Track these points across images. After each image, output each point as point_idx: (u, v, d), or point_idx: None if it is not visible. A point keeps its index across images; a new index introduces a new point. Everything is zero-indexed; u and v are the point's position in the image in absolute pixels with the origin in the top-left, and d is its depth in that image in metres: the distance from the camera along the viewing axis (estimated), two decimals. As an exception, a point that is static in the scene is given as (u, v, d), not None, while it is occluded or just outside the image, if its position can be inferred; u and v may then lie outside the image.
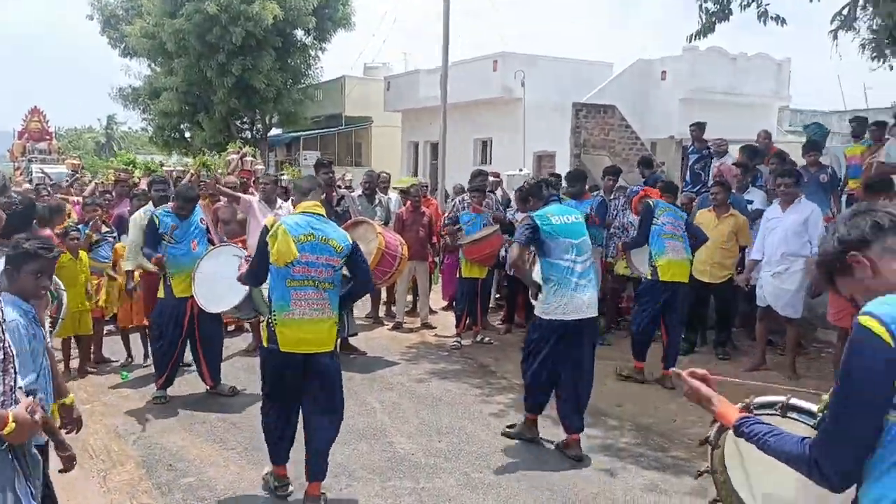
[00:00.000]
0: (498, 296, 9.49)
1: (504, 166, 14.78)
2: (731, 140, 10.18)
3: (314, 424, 4.04)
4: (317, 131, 26.58)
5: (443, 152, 15.21)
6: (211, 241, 6.03)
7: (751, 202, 7.72)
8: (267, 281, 4.13)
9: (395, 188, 10.28)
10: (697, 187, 9.30)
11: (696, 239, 6.46)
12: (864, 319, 1.58)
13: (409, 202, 8.67)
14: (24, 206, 4.16)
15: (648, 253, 6.47)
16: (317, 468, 4.03)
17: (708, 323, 7.67)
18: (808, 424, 1.90)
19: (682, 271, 6.28)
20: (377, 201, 8.36)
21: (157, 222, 5.74)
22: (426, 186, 10.25)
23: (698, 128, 9.87)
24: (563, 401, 4.84)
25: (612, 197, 8.34)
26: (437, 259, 9.47)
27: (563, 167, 15.61)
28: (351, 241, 4.11)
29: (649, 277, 6.43)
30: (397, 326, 8.64)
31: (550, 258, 4.72)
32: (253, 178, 11.23)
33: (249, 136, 24.23)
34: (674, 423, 5.46)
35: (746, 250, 7.09)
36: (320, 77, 25.24)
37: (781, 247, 6.39)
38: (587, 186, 8.35)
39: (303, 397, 4.06)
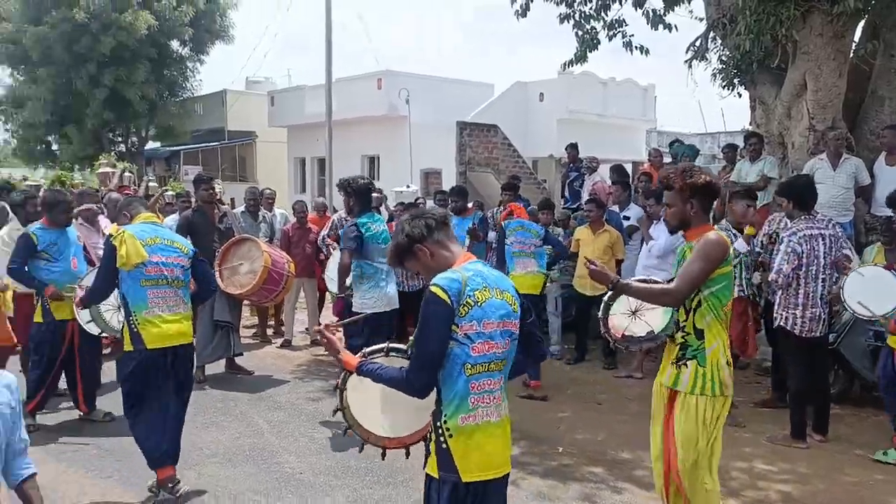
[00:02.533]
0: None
1: (392, 183, 14.91)
2: (603, 159, 10.83)
3: (174, 412, 4.30)
4: (198, 145, 25.68)
5: (330, 168, 15.14)
6: (90, 261, 5.75)
7: (627, 218, 8.20)
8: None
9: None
10: (577, 204, 9.81)
11: (554, 250, 7.08)
12: (434, 288, 2.36)
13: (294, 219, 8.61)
14: None
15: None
16: (177, 450, 4.33)
17: (591, 333, 8.04)
18: (404, 357, 2.65)
19: (531, 283, 6.63)
20: (261, 218, 8.22)
21: (34, 239, 5.42)
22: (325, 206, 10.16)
23: (573, 148, 10.49)
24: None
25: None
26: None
27: (449, 184, 15.94)
28: (193, 247, 4.52)
29: None
30: (286, 344, 8.50)
31: (369, 260, 5.44)
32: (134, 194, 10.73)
33: (124, 150, 23.06)
34: (557, 430, 5.72)
35: (623, 264, 7.58)
36: (199, 90, 24.45)
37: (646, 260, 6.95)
38: (469, 203, 8.62)
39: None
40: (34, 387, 5.47)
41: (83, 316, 5.24)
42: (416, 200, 10.07)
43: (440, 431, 2.44)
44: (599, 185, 9.56)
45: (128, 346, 4.15)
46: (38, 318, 5.49)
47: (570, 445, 5.34)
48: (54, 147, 23.80)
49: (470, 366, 2.40)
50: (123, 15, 19.23)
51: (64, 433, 5.42)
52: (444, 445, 2.43)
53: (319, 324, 2.73)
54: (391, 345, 2.73)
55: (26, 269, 5.39)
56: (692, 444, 3.24)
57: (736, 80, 8.48)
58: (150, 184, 12.58)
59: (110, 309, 5.04)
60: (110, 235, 4.18)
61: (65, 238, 5.55)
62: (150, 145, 25.61)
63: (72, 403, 5.79)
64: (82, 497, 4.32)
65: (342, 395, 2.78)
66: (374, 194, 9.79)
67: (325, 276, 7.40)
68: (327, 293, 8.56)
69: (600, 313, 3.98)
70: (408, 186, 14.63)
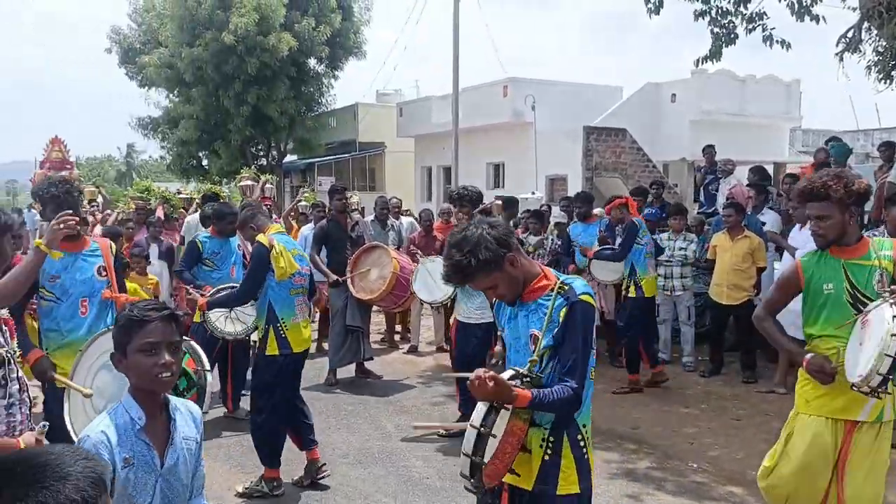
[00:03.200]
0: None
1: (516, 189, 14.87)
2: (741, 161, 10.24)
3: (300, 406, 4.66)
4: (331, 157, 26.88)
5: (455, 176, 15.34)
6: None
7: (763, 223, 7.73)
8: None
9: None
10: (712, 208, 9.35)
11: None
12: (585, 297, 2.26)
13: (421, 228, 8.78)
14: None
15: (631, 270, 6.85)
16: (313, 436, 4.68)
17: (725, 345, 7.61)
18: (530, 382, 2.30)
19: (655, 287, 7.01)
20: (389, 226, 8.45)
21: (200, 247, 5.91)
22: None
23: (710, 150, 10.00)
24: None
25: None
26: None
27: (575, 189, 15.68)
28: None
29: (634, 295, 6.85)
30: (413, 350, 8.68)
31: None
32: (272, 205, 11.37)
33: (265, 163, 24.53)
34: (690, 446, 5.45)
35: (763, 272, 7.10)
36: (333, 104, 25.57)
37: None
38: (595, 209, 8.38)
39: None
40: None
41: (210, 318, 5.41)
42: (540, 207, 9.97)
43: (581, 442, 2.31)
44: (738, 188, 9.05)
45: (272, 351, 4.39)
46: (196, 318, 5.87)
47: (704, 462, 5.06)
48: (204, 162, 25.71)
49: (593, 370, 2.35)
50: (268, 37, 20.50)
51: (210, 429, 5.79)
52: (585, 456, 2.32)
53: (483, 376, 2.18)
54: (519, 371, 2.33)
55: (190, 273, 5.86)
56: (883, 477, 2.96)
57: (894, 73, 7.73)
58: (305, 194, 13.18)
59: (220, 314, 5.25)
60: (262, 244, 4.36)
61: (227, 247, 6.00)
62: (288, 158, 27.06)
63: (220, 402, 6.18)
64: (229, 491, 4.60)
65: (484, 439, 2.20)
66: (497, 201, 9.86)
67: (414, 288, 6.75)
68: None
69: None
70: (533, 193, 14.53)
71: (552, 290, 2.31)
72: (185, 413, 2.07)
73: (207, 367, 2.96)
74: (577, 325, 2.23)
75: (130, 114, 32.40)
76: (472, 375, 2.20)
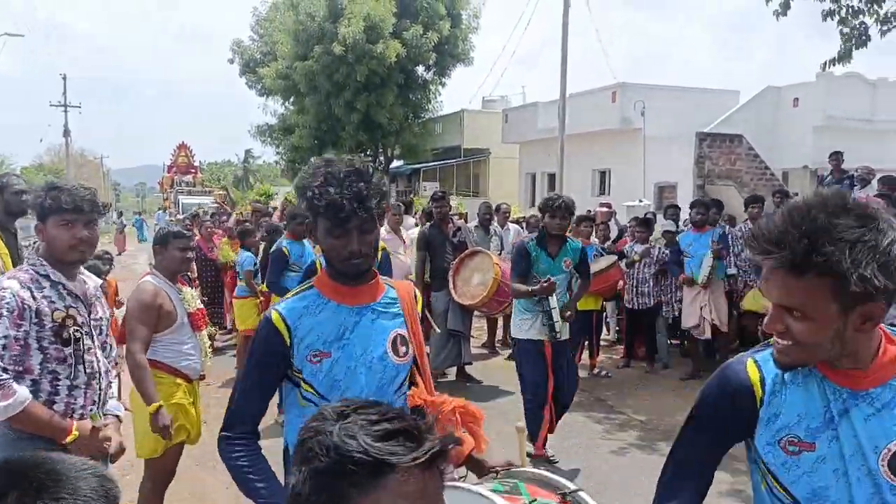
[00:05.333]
0: (618, 329, 9.33)
1: (622, 197, 14.56)
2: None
3: None
4: (436, 163, 27.28)
5: (560, 183, 15.19)
6: None
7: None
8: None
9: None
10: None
11: None
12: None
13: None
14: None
15: None
16: None
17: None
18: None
19: None
20: (493, 232, 8.47)
21: (286, 252, 6.06)
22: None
23: (837, 157, 9.42)
24: None
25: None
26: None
27: (685, 198, 15.14)
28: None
29: None
30: (513, 356, 8.65)
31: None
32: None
33: (373, 169, 25.22)
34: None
35: None
36: (440, 111, 25.95)
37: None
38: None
39: None
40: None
41: None
42: (645, 215, 9.69)
43: None
44: (870, 198, 8.45)
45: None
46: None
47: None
48: (316, 167, 26.75)
49: None
50: (376, 46, 21.09)
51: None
52: None
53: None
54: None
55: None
56: None
57: None
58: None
59: None
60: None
61: (305, 250, 6.12)
62: (395, 164, 27.70)
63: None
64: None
65: None
66: (603, 209, 9.73)
67: None
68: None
69: None
70: (640, 201, 14.18)
71: None
72: None
73: None
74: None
75: (250, 122, 34.22)
76: None
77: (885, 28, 7.84)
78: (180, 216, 11.86)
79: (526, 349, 5.10)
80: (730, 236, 7.79)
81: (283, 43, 22.58)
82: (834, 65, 8.30)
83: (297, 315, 1.95)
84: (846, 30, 7.98)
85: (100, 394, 2.62)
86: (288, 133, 25.21)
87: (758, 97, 17.94)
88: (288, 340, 1.92)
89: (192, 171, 27.17)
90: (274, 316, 1.94)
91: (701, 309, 7.42)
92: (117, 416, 2.74)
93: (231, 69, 26.57)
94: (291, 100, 24.75)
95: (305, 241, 6.23)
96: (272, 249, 6.40)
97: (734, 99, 18.78)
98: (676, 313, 8.03)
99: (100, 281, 2.80)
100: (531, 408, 5.12)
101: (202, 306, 3.95)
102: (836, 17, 7.96)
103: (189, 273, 7.13)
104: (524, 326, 5.08)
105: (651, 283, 7.97)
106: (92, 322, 2.59)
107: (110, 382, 2.75)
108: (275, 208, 13.74)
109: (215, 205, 19.32)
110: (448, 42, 23.13)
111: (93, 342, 2.58)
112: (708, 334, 7.50)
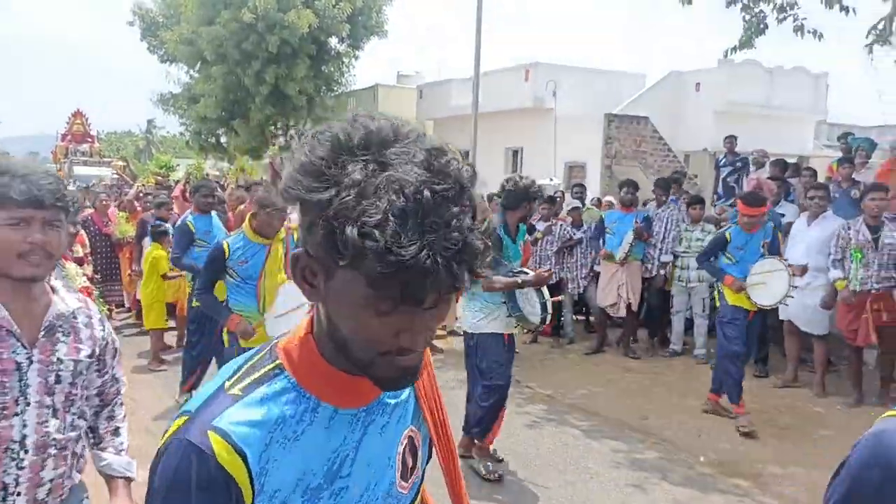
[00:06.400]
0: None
1: (533, 175, 14.65)
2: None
3: None
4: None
5: (473, 161, 15.26)
6: None
7: (783, 215, 7.62)
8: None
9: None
10: (731, 200, 9.21)
11: None
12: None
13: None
14: None
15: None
16: None
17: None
18: None
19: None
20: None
21: (191, 227, 5.84)
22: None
23: (731, 140, 9.85)
24: None
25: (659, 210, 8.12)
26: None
27: (594, 178, 15.56)
28: None
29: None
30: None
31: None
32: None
33: (283, 143, 24.56)
34: (699, 438, 5.40)
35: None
36: (353, 85, 25.51)
37: (803, 261, 6.28)
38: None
39: None
40: (189, 367, 5.87)
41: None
42: (554, 194, 9.87)
43: None
44: (764, 180, 8.91)
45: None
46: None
47: (711, 453, 5.02)
48: (223, 140, 25.80)
49: None
50: (287, 14, 20.41)
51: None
52: None
53: None
54: None
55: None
56: None
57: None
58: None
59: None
60: None
61: (212, 223, 5.94)
62: (307, 138, 27.07)
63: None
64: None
65: None
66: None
67: None
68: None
69: None
70: (551, 180, 14.42)
71: None
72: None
73: None
74: None
75: (151, 89, 32.51)
76: None
77: (781, 17, 8.22)
78: (72, 188, 11.14)
79: (488, 344, 4.59)
80: (656, 219, 7.87)
81: (188, 5, 21.51)
82: (735, 52, 8.65)
83: (262, 444, 0.95)
84: (748, 17, 8.32)
85: (26, 475, 1.72)
86: (193, 102, 24.15)
87: (662, 81, 18.57)
88: (248, 498, 0.94)
89: (89, 139, 25.58)
90: (216, 447, 0.92)
91: (619, 288, 7.66)
92: (127, 478, 2.02)
93: (132, 32, 25.18)
94: (197, 67, 23.69)
95: (213, 214, 5.99)
96: (177, 223, 6.14)
97: (641, 82, 19.35)
98: (581, 290, 8.26)
99: (85, 308, 1.91)
100: (493, 404, 4.60)
101: (88, 283, 3.71)
102: (739, 4, 8.29)
103: (81, 247, 6.73)
104: (486, 320, 4.58)
105: (553, 261, 8.14)
106: (38, 366, 1.73)
107: (77, 454, 1.87)
108: (176, 181, 13.13)
109: (115, 176, 18.30)
110: (362, 13, 22.67)
111: (24, 399, 1.71)
112: (623, 312, 7.75)
